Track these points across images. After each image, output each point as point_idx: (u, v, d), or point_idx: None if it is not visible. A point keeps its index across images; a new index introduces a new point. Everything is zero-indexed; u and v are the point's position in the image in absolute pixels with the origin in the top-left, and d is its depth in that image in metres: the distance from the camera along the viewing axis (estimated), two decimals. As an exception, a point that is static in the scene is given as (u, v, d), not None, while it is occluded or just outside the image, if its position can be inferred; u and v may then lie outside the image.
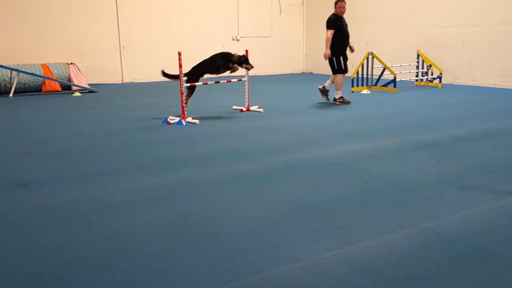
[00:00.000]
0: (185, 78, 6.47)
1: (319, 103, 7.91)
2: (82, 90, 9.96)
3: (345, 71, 7.61)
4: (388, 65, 9.44)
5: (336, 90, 7.72)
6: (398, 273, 2.14)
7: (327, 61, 7.65)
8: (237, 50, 13.36)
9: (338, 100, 7.73)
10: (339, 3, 7.62)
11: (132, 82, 12.22)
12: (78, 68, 10.49)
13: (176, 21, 12.58)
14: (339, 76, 7.61)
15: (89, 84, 10.47)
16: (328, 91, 7.99)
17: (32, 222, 2.83)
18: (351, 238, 2.52)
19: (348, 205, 3.04)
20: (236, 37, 13.82)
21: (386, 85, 9.43)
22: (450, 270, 2.16)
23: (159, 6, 12.35)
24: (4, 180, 3.72)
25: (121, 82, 12.18)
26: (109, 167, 4.05)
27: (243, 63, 6.65)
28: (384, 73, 9.68)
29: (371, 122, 6.04)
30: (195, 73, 6.75)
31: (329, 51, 7.43)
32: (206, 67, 6.75)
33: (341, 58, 7.55)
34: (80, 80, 10.24)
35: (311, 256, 2.32)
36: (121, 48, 12.02)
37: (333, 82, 7.80)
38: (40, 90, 9.92)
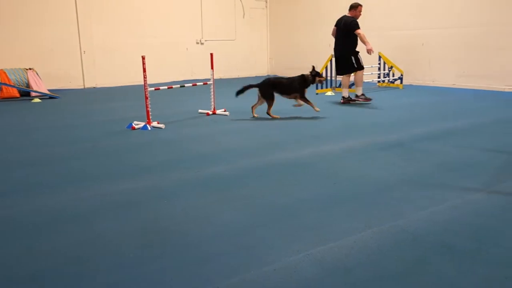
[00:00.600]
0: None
1: (285, 105, 7.96)
2: (42, 96, 9.64)
3: (363, 67, 7.97)
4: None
5: (358, 86, 7.98)
6: (368, 272, 2.17)
7: (344, 61, 7.97)
8: (201, 53, 13.26)
9: (360, 97, 7.94)
10: (360, 7, 8.12)
11: (94, 87, 11.94)
12: (37, 74, 10.16)
13: (139, 25, 12.39)
14: (360, 73, 7.90)
15: (49, 90, 10.14)
16: (350, 98, 8.10)
17: (2, 232, 2.71)
18: (321, 239, 2.54)
19: (317, 206, 3.07)
20: (200, 41, 13.75)
21: (350, 87, 9.57)
22: (418, 267, 2.21)
23: (121, 10, 12.14)
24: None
25: (82, 87, 11.87)
26: (73, 175, 3.94)
27: (316, 76, 6.77)
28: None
29: (336, 123, 6.13)
30: (269, 89, 6.64)
31: (371, 46, 7.65)
32: (282, 88, 6.69)
33: (359, 56, 7.91)
34: (40, 85, 9.91)
35: (282, 258, 2.32)
36: (82, 52, 11.73)
37: (348, 85, 8.09)
38: (-4, 97, 9.54)
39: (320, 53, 12.58)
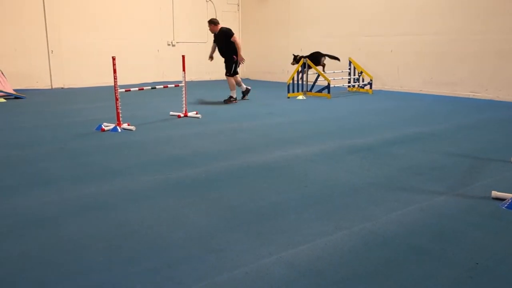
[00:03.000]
0: None
1: (257, 109, 8.00)
2: (7, 96, 9.35)
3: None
4: (322, 72, 9.76)
5: (233, 89, 8.83)
6: (340, 274, 2.21)
7: (226, 63, 8.81)
8: (172, 55, 13.18)
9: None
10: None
11: (62, 88, 11.67)
12: (2, 73, 9.86)
13: (110, 26, 12.20)
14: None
15: (14, 90, 9.85)
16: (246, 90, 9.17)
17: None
18: (292, 241, 2.56)
19: (288, 208, 3.10)
20: (171, 42, 13.65)
21: (320, 91, 9.73)
22: (387, 268, 2.26)
23: (91, 10, 11.92)
24: None
25: (50, 87, 11.59)
26: (39, 177, 3.84)
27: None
28: (318, 79, 10.00)
29: (307, 127, 6.20)
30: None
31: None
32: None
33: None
34: (5, 85, 9.62)
35: (254, 260, 2.33)
36: (50, 52, 11.46)
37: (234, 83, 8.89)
38: (-42, 96, 9.20)
39: (291, 57, 12.70)
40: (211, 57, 8.96)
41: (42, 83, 11.47)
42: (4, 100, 9.00)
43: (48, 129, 6.00)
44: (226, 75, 8.86)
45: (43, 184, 3.65)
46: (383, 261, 2.33)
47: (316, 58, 10.13)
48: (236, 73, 8.85)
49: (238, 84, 8.97)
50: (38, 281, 2.14)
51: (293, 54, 10.73)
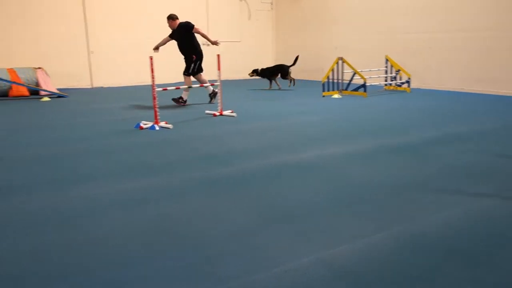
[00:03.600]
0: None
1: (292, 107, 7.96)
2: (51, 95, 9.69)
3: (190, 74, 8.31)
4: (358, 70, 9.61)
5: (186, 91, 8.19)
6: (379, 277, 2.16)
7: (186, 61, 8.27)
8: (207, 54, 13.40)
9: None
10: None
11: (102, 87, 11.99)
12: (46, 73, 10.22)
13: (146, 26, 12.41)
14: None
15: (58, 89, 10.20)
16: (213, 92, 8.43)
17: (4, 229, 2.73)
18: (331, 242, 2.53)
19: (326, 208, 3.06)
20: (206, 42, 13.75)
21: (356, 89, 9.58)
22: (430, 273, 2.20)
23: (129, 11, 12.18)
24: (-30, 188, 3.57)
25: (90, 86, 11.93)
26: (81, 173, 3.95)
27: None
28: (354, 78, 9.85)
29: (343, 126, 6.12)
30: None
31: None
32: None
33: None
34: (48, 84, 9.98)
35: (293, 259, 2.32)
36: (90, 52, 11.78)
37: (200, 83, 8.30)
38: (7, 95, 9.60)
39: (326, 55, 12.58)
40: (156, 48, 8.29)
41: (83, 83, 11.82)
42: (49, 99, 9.33)
43: (88, 127, 6.17)
44: (184, 74, 8.31)
45: (83, 179, 3.75)
46: (426, 265, 2.27)
47: (281, 70, 10.79)
48: (194, 73, 8.25)
49: (204, 83, 8.25)
50: (87, 270, 2.21)
51: (253, 70, 11.22)
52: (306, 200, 3.23)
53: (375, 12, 11.68)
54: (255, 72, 11.05)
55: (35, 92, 9.77)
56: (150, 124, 6.06)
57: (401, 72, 10.27)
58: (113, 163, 4.31)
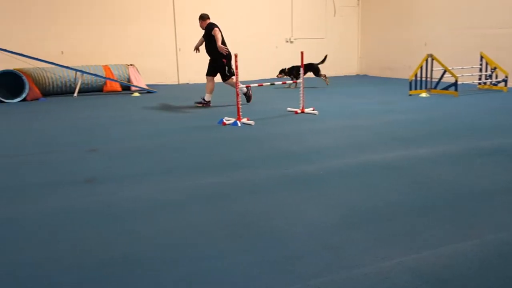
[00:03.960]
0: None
1: (376, 106, 7.74)
2: (141, 90, 10.30)
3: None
4: (449, 68, 9.08)
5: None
6: (468, 286, 2.04)
7: (217, 66, 7.83)
8: (290, 52, 13.35)
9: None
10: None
11: (188, 83, 12.49)
12: (137, 70, 10.86)
13: (230, 23, 12.68)
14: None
15: (147, 85, 10.81)
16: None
17: (98, 216, 2.95)
18: (415, 246, 2.42)
19: (410, 211, 2.94)
20: (289, 39, 13.80)
21: (446, 88, 9.07)
22: (525, 284, 2.04)
23: (212, 9, 12.52)
24: (71, 175, 3.90)
25: (177, 83, 12.48)
26: (165, 166, 4.15)
27: None
28: (445, 76, 9.32)
29: (431, 126, 5.82)
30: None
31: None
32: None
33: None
34: (139, 81, 10.60)
35: (374, 262, 2.26)
36: (178, 50, 12.32)
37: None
38: (101, 90, 10.37)
39: (415, 52, 12.06)
40: (196, 49, 8.20)
41: (171, 79, 12.41)
42: (139, 95, 9.92)
43: (174, 121, 6.47)
44: (223, 81, 7.96)
45: (167, 172, 3.94)
46: (521, 277, 2.10)
47: (311, 69, 10.89)
48: (232, 74, 7.69)
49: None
50: (173, 260, 2.32)
51: (281, 70, 11.00)
52: (389, 201, 3.12)
53: (468, 6, 10.96)
54: (282, 72, 10.87)
55: (126, 87, 10.44)
56: (232, 120, 6.21)
57: (497, 70, 9.56)
58: (196, 157, 4.48)
